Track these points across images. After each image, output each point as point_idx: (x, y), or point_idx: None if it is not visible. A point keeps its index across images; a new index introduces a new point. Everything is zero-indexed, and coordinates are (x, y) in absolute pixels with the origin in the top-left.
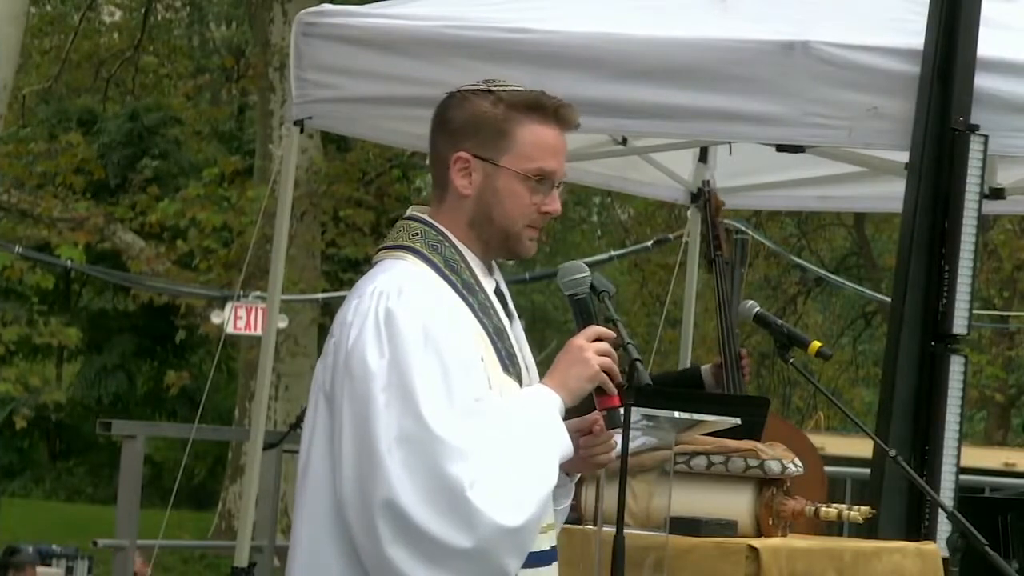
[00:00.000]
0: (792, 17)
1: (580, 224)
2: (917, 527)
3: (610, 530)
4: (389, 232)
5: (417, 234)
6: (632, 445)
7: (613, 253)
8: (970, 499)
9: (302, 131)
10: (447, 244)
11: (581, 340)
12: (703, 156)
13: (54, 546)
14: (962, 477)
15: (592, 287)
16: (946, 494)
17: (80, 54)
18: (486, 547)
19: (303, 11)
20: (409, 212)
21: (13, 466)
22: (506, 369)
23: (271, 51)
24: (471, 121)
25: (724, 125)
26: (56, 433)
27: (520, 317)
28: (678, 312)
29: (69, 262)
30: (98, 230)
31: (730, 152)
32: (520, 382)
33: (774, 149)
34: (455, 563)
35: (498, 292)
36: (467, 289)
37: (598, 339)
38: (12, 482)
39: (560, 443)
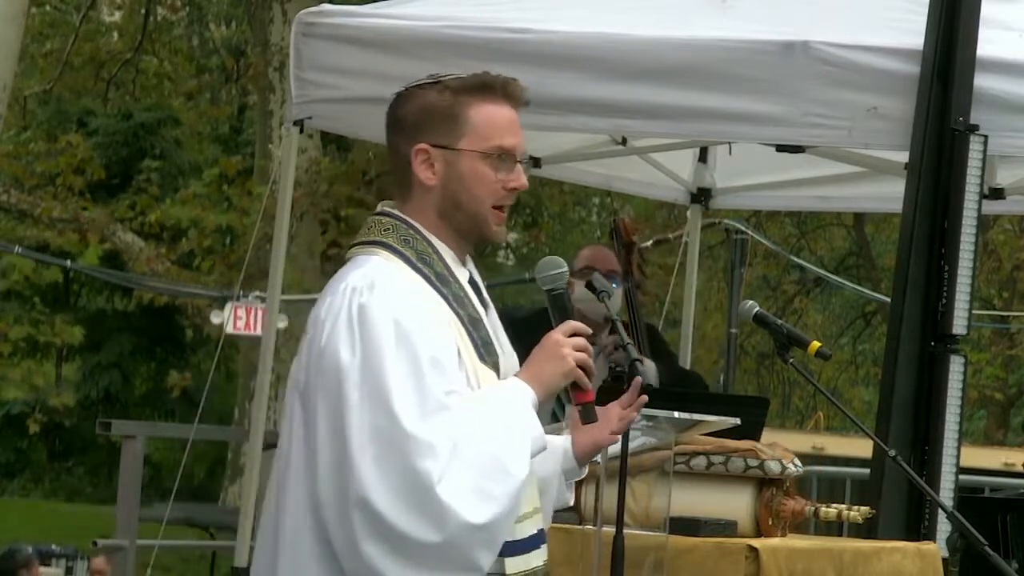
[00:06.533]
0: (792, 17)
1: (580, 224)
2: (917, 527)
3: (610, 530)
4: (361, 229)
5: (388, 229)
6: (632, 445)
7: None
8: (970, 499)
9: (302, 131)
10: (419, 238)
11: (558, 335)
12: (703, 156)
13: (54, 546)
14: (962, 477)
15: (592, 287)
16: (946, 494)
17: (81, 56)
18: (454, 542)
19: (303, 11)
20: (379, 208)
21: (13, 466)
22: (482, 358)
23: (271, 51)
24: (423, 113)
25: (724, 125)
26: (55, 433)
27: None
28: (678, 312)
29: (69, 263)
30: (98, 230)
31: (730, 152)
32: (497, 371)
33: (774, 149)
34: (425, 558)
35: (472, 282)
36: (440, 281)
37: (575, 334)
38: (12, 482)
39: (532, 436)
